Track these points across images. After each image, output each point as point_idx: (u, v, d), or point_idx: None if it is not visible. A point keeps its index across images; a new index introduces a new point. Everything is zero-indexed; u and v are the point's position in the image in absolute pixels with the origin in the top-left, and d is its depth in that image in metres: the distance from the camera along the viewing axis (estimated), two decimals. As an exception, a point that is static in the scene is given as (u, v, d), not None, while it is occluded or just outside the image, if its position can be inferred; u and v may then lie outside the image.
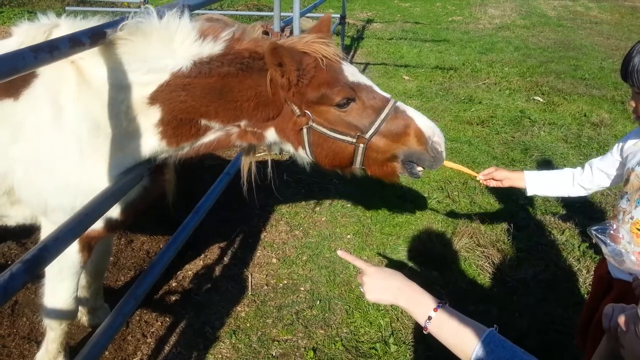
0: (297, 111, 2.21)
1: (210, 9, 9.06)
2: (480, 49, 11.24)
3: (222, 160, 5.28)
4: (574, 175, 2.65)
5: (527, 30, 13.33)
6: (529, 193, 2.75)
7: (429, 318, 1.56)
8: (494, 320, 3.42)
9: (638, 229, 2.18)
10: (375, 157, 2.31)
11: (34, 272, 1.71)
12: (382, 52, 10.94)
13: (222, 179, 3.71)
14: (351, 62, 10.37)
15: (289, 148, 2.38)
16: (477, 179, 2.88)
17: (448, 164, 2.99)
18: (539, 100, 8.02)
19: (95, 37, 2.03)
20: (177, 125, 2.22)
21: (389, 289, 1.66)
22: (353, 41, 11.68)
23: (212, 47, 2.11)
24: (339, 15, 9.89)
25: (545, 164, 5.79)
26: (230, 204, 4.65)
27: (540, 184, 2.72)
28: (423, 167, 2.35)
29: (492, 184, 2.85)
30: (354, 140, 2.25)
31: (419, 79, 8.98)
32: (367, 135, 2.23)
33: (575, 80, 9.13)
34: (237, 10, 13.03)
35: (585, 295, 3.71)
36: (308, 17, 10.48)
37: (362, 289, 1.73)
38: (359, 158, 2.30)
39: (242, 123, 2.27)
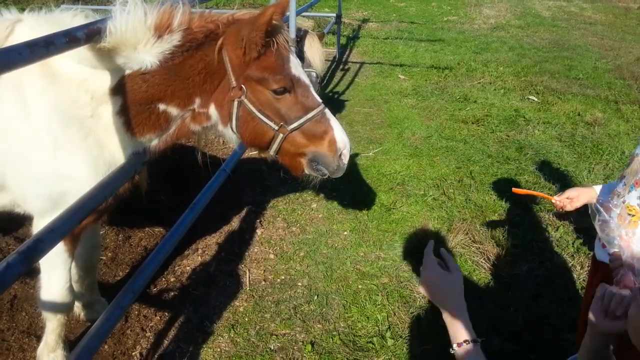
0: (234, 83, 2.29)
1: (207, 7, 9.06)
2: (475, 48, 11.30)
3: (217, 158, 5.30)
4: None
5: (521, 30, 13.41)
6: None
7: (455, 345, 1.61)
8: (489, 314, 3.47)
9: (629, 213, 2.20)
10: (289, 149, 2.45)
11: (30, 263, 1.76)
12: (377, 51, 10.98)
13: (219, 175, 3.73)
14: (347, 62, 10.37)
15: (221, 128, 2.46)
16: (552, 201, 2.74)
17: (518, 190, 2.92)
18: (533, 100, 8.08)
19: (90, 33, 2.06)
20: (136, 112, 2.31)
21: (439, 298, 1.73)
22: (349, 40, 11.72)
23: (170, 42, 2.17)
24: (335, 15, 9.92)
25: (540, 163, 5.84)
26: (226, 200, 4.68)
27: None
28: (326, 172, 2.52)
29: (568, 207, 2.67)
30: (276, 128, 2.37)
31: (415, 78, 9.03)
32: (289, 128, 2.37)
33: (569, 80, 9.20)
34: (232, 8, 13.03)
35: (580, 291, 3.76)
36: (304, 16, 10.50)
37: (423, 272, 1.78)
38: (275, 145, 2.43)
39: (196, 103, 2.36)
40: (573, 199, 2.65)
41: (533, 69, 9.78)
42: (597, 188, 2.67)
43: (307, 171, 2.56)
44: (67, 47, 1.93)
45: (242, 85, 2.29)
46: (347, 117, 7.19)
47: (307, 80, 2.41)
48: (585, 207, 4.49)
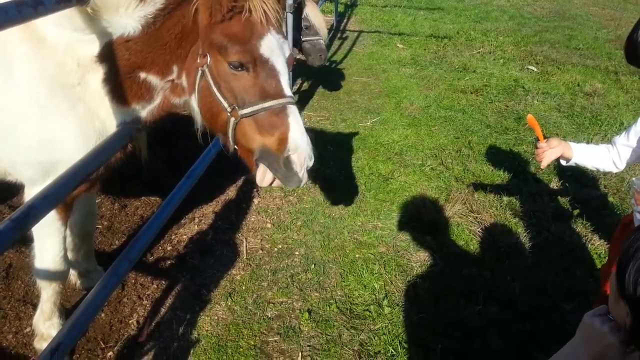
0: (200, 49, 2.13)
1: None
2: (475, 17, 11.14)
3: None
4: (608, 150, 2.66)
5: (522, -1, 13.21)
6: (574, 160, 2.70)
7: None
8: (486, 283, 3.48)
9: None
10: (241, 139, 2.20)
11: (22, 230, 1.73)
12: (375, 19, 10.81)
13: (216, 143, 3.67)
14: (345, 30, 10.18)
15: (189, 100, 2.31)
16: (538, 145, 2.72)
17: (531, 120, 2.80)
18: (532, 70, 7.99)
19: None
20: (121, 81, 2.23)
21: None
22: (347, 8, 11.51)
23: (154, 5, 2.07)
24: (332, -19, 9.72)
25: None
26: (223, 169, 4.63)
27: (583, 154, 2.69)
28: (277, 177, 2.18)
29: (543, 163, 2.69)
30: (229, 110, 2.14)
31: (413, 47, 8.90)
32: (240, 112, 2.11)
33: (569, 50, 9.09)
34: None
35: (577, 260, 3.77)
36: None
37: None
38: (230, 132, 2.18)
39: (174, 73, 2.24)
40: (553, 148, 2.66)
41: (533, 38, 9.66)
42: (573, 144, 2.70)
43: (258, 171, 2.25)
44: (57, 8, 1.85)
45: (207, 53, 2.11)
46: (345, 86, 7.10)
47: (279, 67, 2.13)
48: (588, 181, 4.48)
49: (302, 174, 2.16)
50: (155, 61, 2.20)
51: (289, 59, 2.21)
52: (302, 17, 5.63)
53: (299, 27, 5.69)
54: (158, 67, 2.22)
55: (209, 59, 2.11)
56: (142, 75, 2.24)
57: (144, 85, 2.27)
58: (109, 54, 2.16)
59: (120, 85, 2.24)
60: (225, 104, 2.14)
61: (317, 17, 5.72)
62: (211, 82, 2.14)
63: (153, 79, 2.26)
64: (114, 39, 2.13)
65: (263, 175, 2.21)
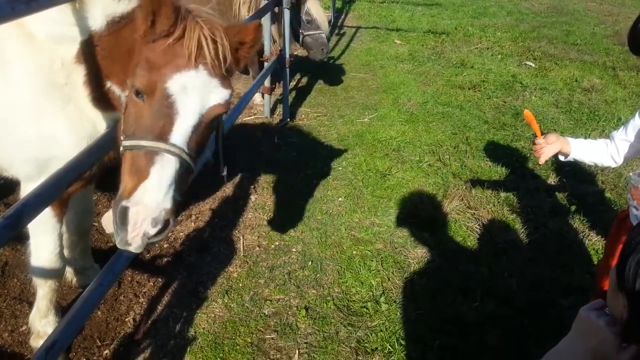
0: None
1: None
2: (472, 13, 11.13)
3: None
4: (606, 145, 2.64)
5: (520, -6, 13.19)
6: (572, 156, 2.67)
7: None
8: (483, 279, 3.48)
9: None
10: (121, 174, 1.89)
11: (16, 227, 1.73)
12: (373, 15, 10.79)
13: (210, 144, 3.65)
14: (342, 26, 10.18)
15: None
16: (536, 141, 2.68)
17: (528, 115, 2.76)
18: (530, 65, 7.98)
19: None
20: (96, 86, 2.19)
21: None
22: (344, 4, 11.49)
23: (127, 5, 2.03)
24: (330, -23, 9.70)
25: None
26: (220, 167, 4.62)
27: (582, 149, 2.67)
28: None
29: (541, 159, 2.66)
30: (122, 137, 1.88)
31: (411, 43, 8.89)
32: (123, 143, 1.85)
33: (567, 45, 9.08)
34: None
35: (574, 256, 3.77)
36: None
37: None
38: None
39: (128, 85, 2.09)
40: (551, 144, 2.63)
41: (531, 34, 9.65)
42: (571, 139, 2.68)
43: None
44: (50, 4, 1.84)
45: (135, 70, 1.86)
46: (342, 82, 7.09)
47: (181, 110, 1.77)
48: (585, 176, 4.47)
49: (133, 237, 1.73)
50: (115, 71, 2.13)
51: (214, 109, 1.84)
52: (304, 11, 5.63)
53: (299, 22, 5.69)
54: (117, 78, 2.15)
55: (133, 77, 1.91)
56: (109, 84, 2.20)
57: (111, 93, 2.22)
58: (84, 56, 2.13)
59: (96, 90, 2.21)
60: (121, 130, 1.92)
61: (318, 12, 5.72)
62: (123, 102, 1.97)
63: (116, 90, 2.19)
64: (87, 38, 2.09)
65: (108, 220, 1.93)
